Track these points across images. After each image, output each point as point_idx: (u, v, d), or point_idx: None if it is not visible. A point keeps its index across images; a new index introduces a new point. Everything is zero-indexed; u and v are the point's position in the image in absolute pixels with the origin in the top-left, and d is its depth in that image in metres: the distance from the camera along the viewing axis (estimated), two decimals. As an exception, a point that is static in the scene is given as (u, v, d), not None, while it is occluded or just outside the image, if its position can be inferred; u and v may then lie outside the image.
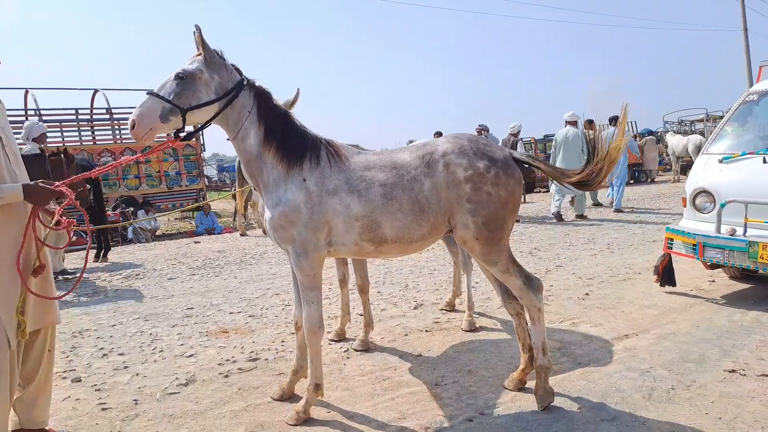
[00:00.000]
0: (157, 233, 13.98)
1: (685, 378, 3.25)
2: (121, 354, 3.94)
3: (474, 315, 4.43)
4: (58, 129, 14.69)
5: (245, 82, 2.75)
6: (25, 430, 2.63)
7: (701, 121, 22.10)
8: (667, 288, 5.10)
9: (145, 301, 5.53)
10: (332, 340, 4.07)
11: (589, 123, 12.38)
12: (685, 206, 5.19)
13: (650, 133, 21.53)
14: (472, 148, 2.83)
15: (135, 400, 3.16)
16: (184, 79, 2.58)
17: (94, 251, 8.51)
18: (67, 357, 3.89)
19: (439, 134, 11.15)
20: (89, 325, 4.71)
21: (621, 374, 3.33)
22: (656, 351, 3.68)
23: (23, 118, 15.13)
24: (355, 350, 3.85)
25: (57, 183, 2.46)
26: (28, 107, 15.12)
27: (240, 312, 4.94)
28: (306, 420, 2.86)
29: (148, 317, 4.89)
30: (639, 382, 3.20)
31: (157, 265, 7.53)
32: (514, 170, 2.86)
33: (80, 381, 3.44)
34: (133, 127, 2.52)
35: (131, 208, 13.91)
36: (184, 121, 2.58)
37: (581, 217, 10.37)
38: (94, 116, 15.46)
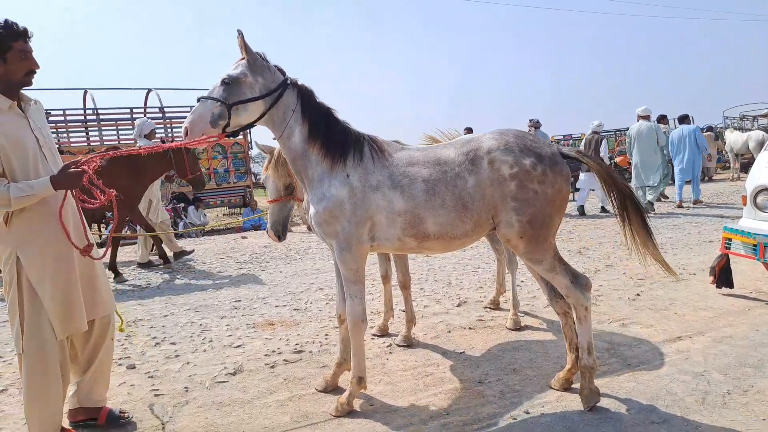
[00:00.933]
0: (206, 229, 14.47)
1: (742, 383, 3.11)
2: (172, 343, 4.12)
3: (519, 314, 4.38)
4: (114, 127, 15.38)
5: (288, 82, 2.82)
6: (85, 408, 2.85)
7: (765, 116, 20.92)
8: (724, 290, 4.88)
9: (195, 293, 5.75)
10: (375, 335, 4.11)
11: (662, 118, 12.32)
12: (745, 205, 4.95)
13: (709, 129, 20.58)
14: (518, 144, 2.80)
15: (186, 387, 3.30)
16: (229, 84, 2.68)
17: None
18: (122, 345, 4.10)
19: (468, 130, 11.08)
20: (143, 315, 4.94)
21: (673, 377, 3.22)
22: (711, 354, 3.54)
23: (82, 117, 16.03)
24: (398, 345, 3.89)
25: (81, 161, 2.58)
26: (87, 106, 15.95)
27: (285, 305, 5.06)
28: (349, 412, 2.91)
29: (198, 308, 5.08)
30: (692, 386, 3.09)
31: (207, 259, 7.80)
32: (562, 167, 2.81)
33: (134, 368, 3.62)
34: (186, 134, 2.65)
35: (182, 204, 14.44)
36: (229, 117, 2.67)
37: (650, 204, 10.50)
38: (148, 114, 16.11)
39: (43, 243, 2.53)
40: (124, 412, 2.92)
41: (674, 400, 2.94)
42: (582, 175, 10.79)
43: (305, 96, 2.86)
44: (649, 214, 2.98)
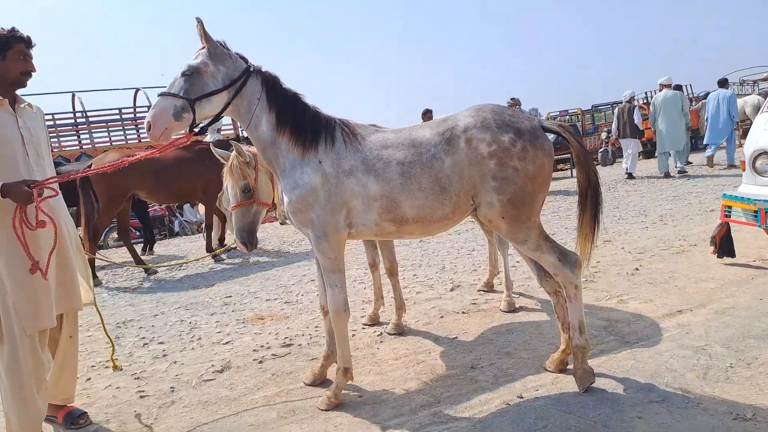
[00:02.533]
0: (202, 226, 14.39)
1: (746, 355, 3.01)
2: (161, 343, 4.04)
3: (513, 295, 4.29)
4: (105, 129, 15.25)
5: (252, 69, 2.70)
6: (51, 405, 2.81)
7: (766, 80, 20.58)
8: (726, 260, 4.77)
9: (186, 291, 5.67)
10: (366, 325, 4.03)
11: (679, 87, 12.71)
12: (744, 170, 4.82)
13: (707, 95, 20.31)
14: (495, 120, 2.68)
15: (172, 387, 3.22)
16: (190, 75, 2.57)
17: (141, 244, 8.83)
18: (109, 347, 4.02)
19: (428, 112, 11.03)
20: (133, 315, 4.87)
21: (672, 352, 3.12)
22: (713, 327, 3.44)
23: (72, 120, 15.89)
24: (389, 334, 3.80)
25: (33, 184, 2.49)
26: (76, 109, 15.81)
27: (276, 299, 4.98)
28: (337, 404, 2.83)
29: (188, 306, 5.00)
30: (693, 361, 2.99)
31: (199, 256, 7.71)
32: (543, 141, 2.69)
33: (121, 369, 3.54)
34: (149, 128, 2.54)
35: (176, 203, 14.35)
36: (193, 112, 2.56)
37: (683, 172, 11.21)
38: (138, 114, 15.95)
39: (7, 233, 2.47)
40: (82, 419, 2.84)
41: (674, 376, 2.84)
42: (622, 142, 11.86)
43: (270, 83, 2.74)
44: (602, 209, 2.87)
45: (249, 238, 3.38)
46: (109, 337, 3.12)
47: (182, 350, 3.84)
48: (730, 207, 4.64)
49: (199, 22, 2.57)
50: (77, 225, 12.96)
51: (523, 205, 2.67)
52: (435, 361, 3.31)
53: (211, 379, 3.30)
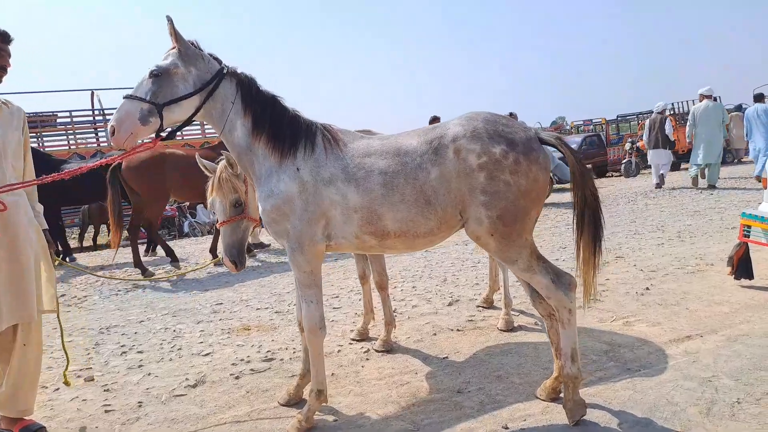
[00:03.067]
0: (213, 227, 14.39)
1: (756, 390, 2.79)
2: (139, 352, 3.94)
3: (513, 312, 4.11)
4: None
5: (225, 71, 2.59)
6: (6, 417, 2.72)
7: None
8: (744, 282, 4.53)
9: (178, 295, 5.58)
10: (354, 340, 3.87)
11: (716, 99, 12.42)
12: (765, 187, 4.57)
13: (737, 108, 19.77)
14: (487, 130, 2.52)
15: (140, 402, 3.11)
16: (159, 76, 2.45)
17: (145, 245, 8.81)
18: (88, 354, 3.94)
19: (435, 119, 10.71)
20: (118, 321, 4.79)
21: (676, 383, 2.91)
22: (723, 356, 3.21)
23: (91, 118, 16.11)
24: (376, 351, 3.64)
25: None
26: (95, 107, 16.02)
27: (267, 308, 4.85)
28: (308, 429, 2.68)
29: (176, 313, 4.91)
30: (697, 394, 2.78)
31: (201, 259, 7.65)
32: (537, 154, 2.52)
33: (93, 380, 3.45)
34: (113, 133, 2.41)
35: (187, 203, 14.37)
36: (161, 117, 2.44)
37: (712, 187, 10.88)
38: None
39: None
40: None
41: (675, 411, 2.64)
42: (650, 153, 11.71)
43: (245, 85, 2.63)
44: (602, 232, 2.69)
45: (239, 256, 3.22)
46: (65, 349, 3.01)
47: (159, 361, 3.73)
48: (749, 226, 4.40)
49: (170, 20, 2.46)
50: (101, 222, 12.55)
51: (514, 222, 2.50)
52: (420, 383, 3.15)
53: (183, 395, 3.17)
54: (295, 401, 2.98)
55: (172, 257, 7.12)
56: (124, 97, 2.46)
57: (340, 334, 4.02)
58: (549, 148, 2.70)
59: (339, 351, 3.70)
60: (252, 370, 3.46)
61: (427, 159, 2.54)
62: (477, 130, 2.52)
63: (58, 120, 16.23)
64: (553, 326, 2.84)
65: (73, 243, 12.14)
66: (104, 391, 3.28)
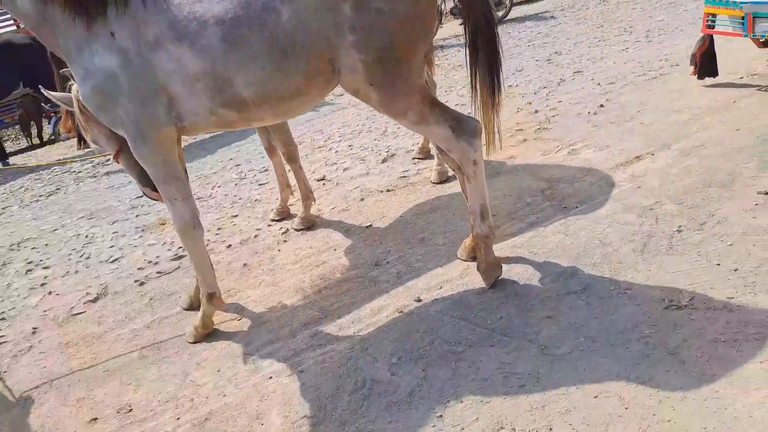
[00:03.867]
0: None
1: (701, 212, 2.54)
2: (45, 267, 3.65)
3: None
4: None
5: None
6: None
7: None
8: (708, 81, 4.09)
9: (99, 193, 5.18)
10: (273, 220, 3.56)
11: None
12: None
13: None
14: None
15: (34, 328, 2.89)
16: None
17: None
18: (-8, 279, 3.67)
19: None
20: (31, 233, 4.45)
21: (613, 218, 2.65)
22: (671, 176, 2.92)
23: None
24: (295, 230, 3.34)
25: None
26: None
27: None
28: (206, 335, 2.48)
29: (93, 214, 4.55)
30: (634, 228, 2.53)
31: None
32: None
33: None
34: None
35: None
36: None
37: None
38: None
39: None
40: None
41: (606, 253, 2.40)
42: None
43: None
44: (501, 62, 2.16)
45: (151, 183, 2.67)
46: None
47: (64, 275, 3.46)
48: (713, 15, 3.82)
49: None
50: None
51: (396, 64, 2.02)
52: (337, 261, 2.89)
53: (81, 312, 2.94)
54: (198, 303, 2.74)
55: None
56: None
57: (261, 216, 3.70)
58: None
59: (256, 236, 3.41)
60: (159, 272, 3.19)
61: None
62: None
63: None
64: (464, 179, 2.48)
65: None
66: (1, 320, 3.05)
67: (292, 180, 3.45)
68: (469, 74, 2.19)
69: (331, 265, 2.86)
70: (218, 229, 3.64)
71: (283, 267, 2.97)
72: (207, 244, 3.40)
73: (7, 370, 2.58)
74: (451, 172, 3.64)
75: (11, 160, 8.29)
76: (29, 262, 3.80)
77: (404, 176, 3.81)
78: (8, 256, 4.03)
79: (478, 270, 2.34)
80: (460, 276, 2.49)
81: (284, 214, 3.56)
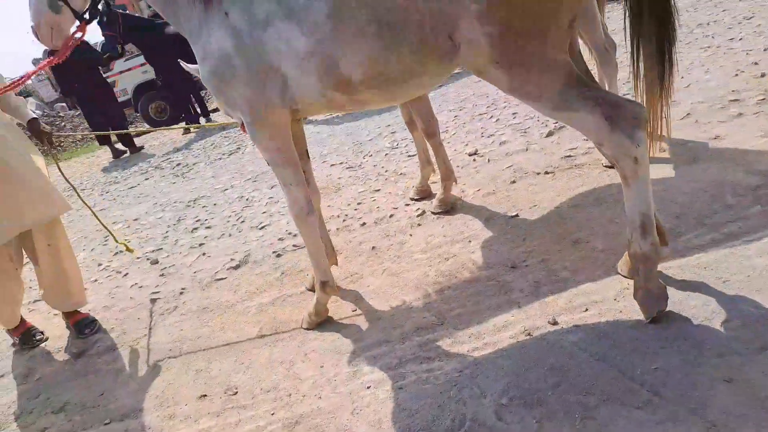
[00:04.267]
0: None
1: None
2: (208, 227, 3.95)
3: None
4: None
5: None
6: (64, 313, 2.95)
7: None
8: None
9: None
10: (413, 199, 3.33)
11: None
12: None
13: None
14: None
15: (183, 288, 3.11)
16: None
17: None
18: (166, 233, 4.09)
19: None
20: (207, 191, 4.89)
21: None
22: None
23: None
24: (433, 213, 3.07)
25: None
26: None
27: (343, 163, 4.47)
28: (320, 323, 2.38)
29: (257, 177, 4.83)
30: None
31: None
32: None
33: (157, 263, 3.56)
34: (36, 33, 2.23)
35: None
36: None
37: None
38: None
39: None
40: (88, 329, 2.88)
41: (838, 294, 1.69)
42: None
43: None
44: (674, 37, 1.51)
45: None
46: (105, 227, 3.19)
47: (220, 237, 3.70)
48: None
49: None
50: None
51: (529, 38, 1.59)
52: (468, 256, 2.56)
53: (223, 278, 3.08)
54: (318, 286, 2.67)
55: None
56: None
57: (401, 192, 3.50)
58: None
59: (392, 216, 3.22)
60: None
61: None
62: None
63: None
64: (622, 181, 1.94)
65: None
66: (160, 275, 3.36)
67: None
68: (629, 47, 1.65)
69: (461, 261, 2.55)
70: (358, 203, 3.53)
71: (411, 255, 2.73)
72: (344, 220, 3.33)
73: (153, 327, 2.81)
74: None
75: (213, 116, 9.34)
76: (197, 220, 4.16)
77: (569, 155, 3.27)
78: (184, 212, 4.47)
79: (634, 297, 1.83)
80: (614, 298, 1.99)
81: (424, 193, 3.31)
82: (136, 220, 4.66)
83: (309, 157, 2.49)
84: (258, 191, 4.43)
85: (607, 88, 2.97)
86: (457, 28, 1.64)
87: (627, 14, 1.62)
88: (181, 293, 3.06)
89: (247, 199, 4.30)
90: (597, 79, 2.36)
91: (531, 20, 1.58)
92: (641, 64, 1.64)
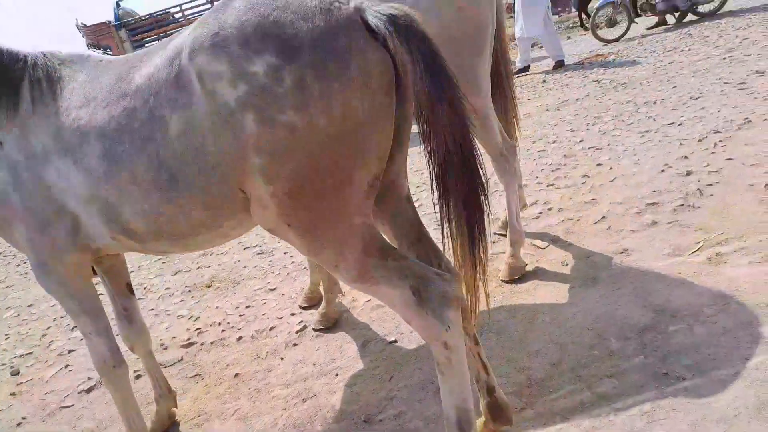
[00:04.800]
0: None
1: None
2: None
3: (536, 244, 2.86)
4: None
5: None
6: None
7: None
8: None
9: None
10: (301, 307, 3.02)
11: None
12: None
13: None
14: (242, 27, 1.31)
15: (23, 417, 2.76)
16: None
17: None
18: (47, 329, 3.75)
19: None
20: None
21: (749, 417, 1.58)
22: None
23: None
24: (314, 330, 2.76)
25: None
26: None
27: (257, 246, 4.16)
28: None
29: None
30: None
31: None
32: (347, 59, 1.29)
33: (18, 374, 3.21)
34: None
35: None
36: None
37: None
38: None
39: None
40: None
41: None
42: None
43: None
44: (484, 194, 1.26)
45: None
46: None
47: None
48: None
49: None
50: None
51: (318, 199, 1.34)
52: (329, 399, 2.25)
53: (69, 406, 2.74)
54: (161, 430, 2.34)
55: None
56: None
57: (294, 295, 3.20)
58: None
59: (272, 329, 2.91)
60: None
61: (164, 98, 1.42)
62: (223, 30, 1.31)
63: (175, 17, 16.45)
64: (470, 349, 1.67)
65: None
66: (10, 394, 3.01)
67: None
68: (441, 220, 1.41)
69: (318, 404, 2.23)
70: (246, 307, 3.22)
71: (271, 391, 2.41)
72: (223, 330, 3.03)
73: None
74: (537, 263, 2.76)
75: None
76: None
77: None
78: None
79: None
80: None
81: (313, 301, 3.01)
82: (30, 306, 4.32)
83: (133, 292, 2.20)
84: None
85: (505, 202, 2.73)
86: (246, 183, 1.40)
87: (432, 186, 1.37)
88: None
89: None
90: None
91: (321, 179, 1.33)
92: (456, 248, 1.40)
